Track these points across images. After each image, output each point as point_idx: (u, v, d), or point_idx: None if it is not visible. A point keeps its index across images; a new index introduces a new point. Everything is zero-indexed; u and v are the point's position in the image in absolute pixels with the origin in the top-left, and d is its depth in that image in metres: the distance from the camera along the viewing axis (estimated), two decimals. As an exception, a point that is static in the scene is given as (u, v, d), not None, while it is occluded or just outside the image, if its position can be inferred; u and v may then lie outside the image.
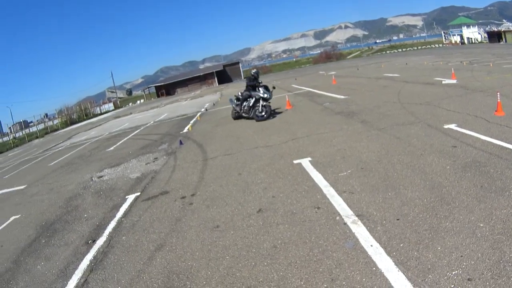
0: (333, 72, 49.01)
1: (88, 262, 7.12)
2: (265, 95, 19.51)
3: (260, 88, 19.76)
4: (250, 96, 19.99)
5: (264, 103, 19.57)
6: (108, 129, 36.62)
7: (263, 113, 19.40)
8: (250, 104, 19.83)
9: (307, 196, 7.94)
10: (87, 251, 7.58)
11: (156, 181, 11.61)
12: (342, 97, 22.66)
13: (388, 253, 5.29)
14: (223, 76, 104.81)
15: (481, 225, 5.59)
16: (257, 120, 19.29)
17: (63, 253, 7.91)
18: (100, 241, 7.96)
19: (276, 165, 10.67)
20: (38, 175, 19.06)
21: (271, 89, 19.96)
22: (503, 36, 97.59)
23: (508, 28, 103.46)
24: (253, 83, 20.09)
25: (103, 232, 8.42)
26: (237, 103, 20.77)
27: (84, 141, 30.96)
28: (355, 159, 9.87)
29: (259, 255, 5.89)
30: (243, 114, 20.28)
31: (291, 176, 9.49)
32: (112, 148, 21.41)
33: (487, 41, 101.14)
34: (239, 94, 20.69)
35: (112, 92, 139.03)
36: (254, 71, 21.08)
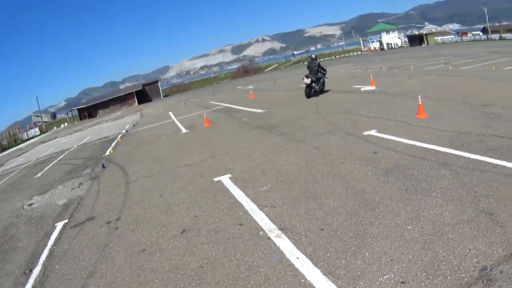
0: (250, 86, 49.79)
1: (28, 293, 7.00)
2: None
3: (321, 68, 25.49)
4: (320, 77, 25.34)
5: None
6: (35, 155, 35.80)
7: None
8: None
9: (229, 214, 8.03)
10: (26, 281, 7.45)
11: (82, 207, 11.50)
12: (260, 111, 23.14)
13: (315, 264, 5.38)
14: (143, 95, 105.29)
15: (409, 227, 5.81)
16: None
17: (6, 283, 7.77)
18: (36, 271, 7.80)
19: (197, 184, 10.77)
20: (-24, 205, 18.48)
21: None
22: (424, 39, 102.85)
23: (430, 31, 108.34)
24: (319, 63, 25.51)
25: (38, 261, 8.25)
26: (314, 80, 24.89)
27: (14, 168, 30.13)
28: (275, 172, 10.07)
29: (187, 277, 5.89)
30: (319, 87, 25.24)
31: (212, 194, 9.59)
32: (39, 175, 20.84)
33: (408, 45, 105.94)
34: (310, 77, 24.58)
35: (38, 116, 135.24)
36: (314, 55, 27.31)
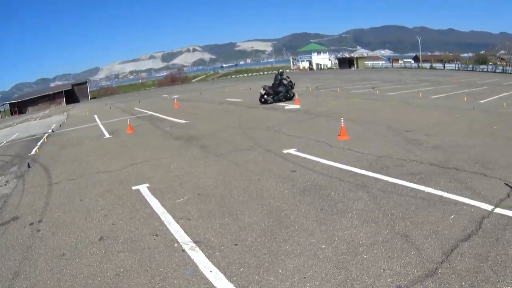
0: (176, 96, 49.68)
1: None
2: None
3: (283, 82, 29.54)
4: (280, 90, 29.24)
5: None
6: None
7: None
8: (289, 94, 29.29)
9: (145, 223, 7.97)
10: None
11: (8, 206, 11.09)
12: (183, 121, 23.14)
13: (229, 278, 5.42)
14: (71, 96, 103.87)
15: (323, 246, 5.94)
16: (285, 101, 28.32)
17: None
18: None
19: (116, 191, 10.63)
20: None
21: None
22: (355, 62, 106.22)
23: (362, 55, 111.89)
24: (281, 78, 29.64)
25: (-30, 258, 7.94)
26: (271, 92, 28.79)
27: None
28: (192, 185, 10.09)
29: (104, 284, 5.81)
30: (274, 99, 28.62)
31: (129, 202, 9.50)
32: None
33: (338, 67, 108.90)
34: (266, 90, 28.84)
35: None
36: (280, 70, 32.11)
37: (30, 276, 6.48)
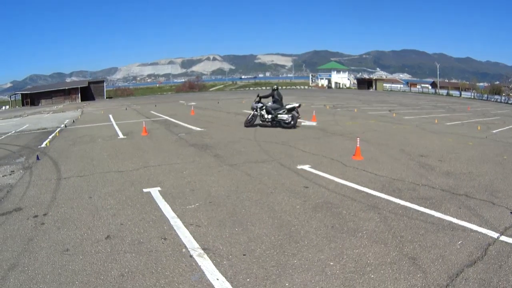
0: (193, 103, 49.77)
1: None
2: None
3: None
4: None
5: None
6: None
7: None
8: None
9: (154, 226, 7.98)
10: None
11: (11, 196, 11.00)
12: (198, 129, 23.16)
13: (235, 287, 5.46)
14: (87, 93, 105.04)
15: (331, 263, 5.97)
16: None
17: None
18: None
19: (126, 192, 10.61)
20: None
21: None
22: (373, 84, 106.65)
23: (380, 77, 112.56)
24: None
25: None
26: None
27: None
28: (204, 192, 10.10)
29: (107, 283, 5.80)
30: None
31: (139, 204, 9.49)
32: (-24, 156, 20.04)
33: (356, 87, 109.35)
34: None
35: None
36: (274, 86, 24.47)
37: (28, 268, 6.45)
